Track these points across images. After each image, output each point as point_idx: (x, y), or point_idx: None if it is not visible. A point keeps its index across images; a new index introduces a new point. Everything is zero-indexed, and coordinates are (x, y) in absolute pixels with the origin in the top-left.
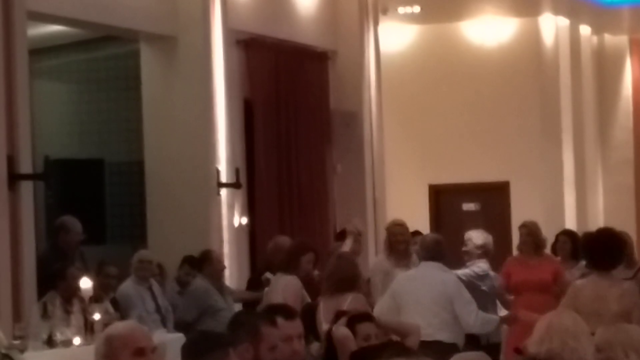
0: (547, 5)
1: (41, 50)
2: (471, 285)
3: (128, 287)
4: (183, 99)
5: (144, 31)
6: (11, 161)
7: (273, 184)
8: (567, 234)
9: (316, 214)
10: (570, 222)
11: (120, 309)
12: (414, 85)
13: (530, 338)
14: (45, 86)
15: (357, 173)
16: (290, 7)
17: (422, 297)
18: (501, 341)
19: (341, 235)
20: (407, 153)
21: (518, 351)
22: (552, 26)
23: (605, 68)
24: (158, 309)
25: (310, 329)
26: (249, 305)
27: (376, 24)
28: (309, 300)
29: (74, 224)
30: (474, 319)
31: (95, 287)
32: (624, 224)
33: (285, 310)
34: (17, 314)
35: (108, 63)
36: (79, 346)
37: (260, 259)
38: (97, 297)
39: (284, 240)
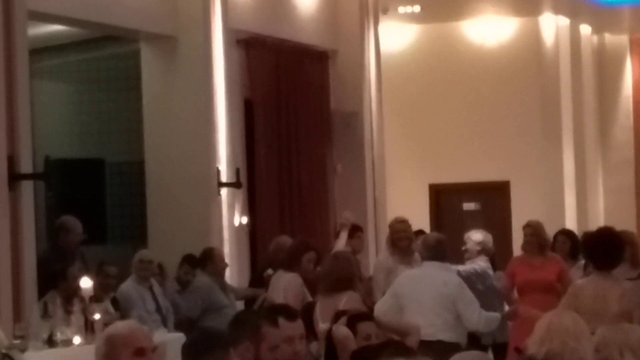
0: (547, 5)
1: (41, 50)
2: (468, 281)
3: (128, 287)
4: (183, 98)
5: (145, 31)
6: (11, 161)
7: (273, 184)
8: (566, 233)
9: (316, 213)
10: (571, 222)
11: (121, 309)
12: (414, 85)
13: (530, 338)
14: (45, 86)
15: (357, 173)
16: (290, 7)
17: (424, 298)
18: (507, 341)
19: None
20: (407, 153)
21: (519, 350)
22: (552, 26)
23: (606, 68)
24: (158, 308)
25: (310, 329)
26: (251, 302)
27: (376, 23)
28: (310, 298)
29: (74, 224)
30: (477, 318)
31: (95, 287)
32: (624, 224)
33: (286, 311)
34: (18, 314)
35: (108, 63)
36: (79, 346)
37: (262, 258)
38: (97, 297)
39: (286, 240)
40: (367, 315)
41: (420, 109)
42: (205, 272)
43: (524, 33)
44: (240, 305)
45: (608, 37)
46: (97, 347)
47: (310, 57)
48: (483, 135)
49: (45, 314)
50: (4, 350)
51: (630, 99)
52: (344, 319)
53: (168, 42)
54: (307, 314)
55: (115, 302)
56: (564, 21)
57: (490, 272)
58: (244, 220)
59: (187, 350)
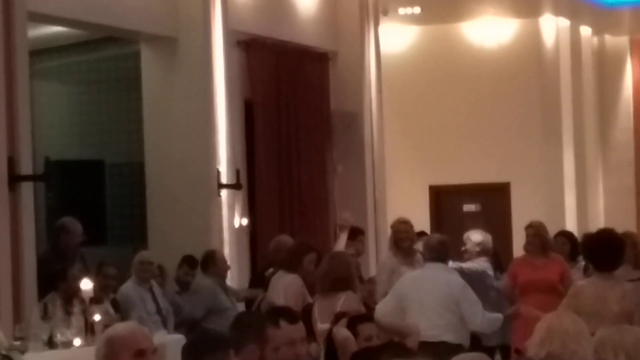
0: (547, 6)
1: (42, 51)
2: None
3: (129, 288)
4: (183, 100)
5: (145, 32)
6: (12, 162)
7: (273, 185)
8: (565, 235)
9: (317, 214)
10: (571, 223)
11: (121, 310)
12: (414, 86)
13: (530, 339)
14: (45, 87)
15: (357, 174)
16: (290, 8)
17: (427, 299)
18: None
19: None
20: (407, 154)
21: (519, 352)
22: (552, 27)
23: (606, 69)
24: (159, 310)
25: (310, 330)
26: (251, 304)
27: (376, 24)
28: (310, 300)
29: (74, 225)
30: (481, 319)
31: (95, 288)
32: (624, 225)
33: (288, 314)
34: (18, 315)
35: (108, 64)
36: (79, 347)
37: (262, 257)
38: (97, 298)
39: (286, 239)
40: (368, 316)
41: (420, 110)
42: (207, 274)
43: (524, 34)
44: (241, 307)
45: (608, 38)
46: (97, 348)
47: (311, 58)
48: (483, 137)
49: (45, 315)
50: (3, 352)
51: (631, 100)
52: (344, 321)
53: (168, 44)
54: (307, 315)
55: (115, 304)
56: (564, 22)
57: (490, 272)
58: (244, 221)
59: (187, 350)
